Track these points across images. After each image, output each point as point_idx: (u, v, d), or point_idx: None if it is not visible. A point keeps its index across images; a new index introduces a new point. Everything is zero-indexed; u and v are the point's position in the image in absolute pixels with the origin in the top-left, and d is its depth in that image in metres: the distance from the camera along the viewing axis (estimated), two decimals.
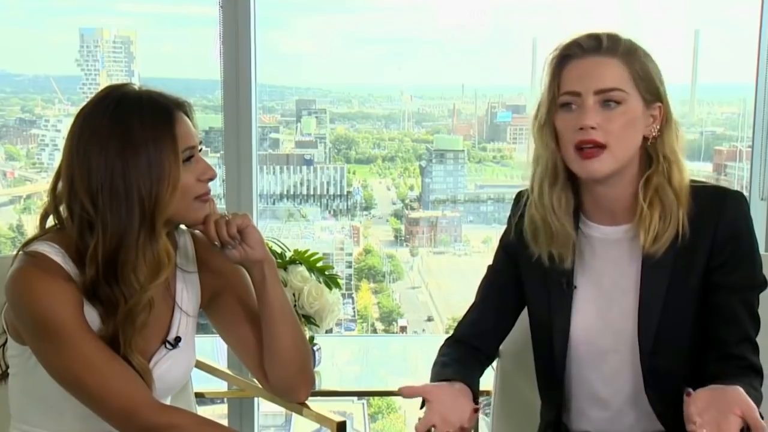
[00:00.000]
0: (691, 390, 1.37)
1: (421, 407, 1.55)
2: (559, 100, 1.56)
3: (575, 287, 1.65)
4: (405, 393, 1.54)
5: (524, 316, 1.75)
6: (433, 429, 1.50)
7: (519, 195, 1.73)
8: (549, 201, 1.62)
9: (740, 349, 1.55)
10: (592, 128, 1.52)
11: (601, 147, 1.53)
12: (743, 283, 1.58)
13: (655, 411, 1.63)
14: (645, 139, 1.57)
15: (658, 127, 1.57)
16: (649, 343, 1.59)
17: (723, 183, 3.43)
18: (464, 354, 1.71)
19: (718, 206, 1.56)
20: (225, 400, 2.89)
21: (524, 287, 1.71)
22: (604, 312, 1.63)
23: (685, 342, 1.60)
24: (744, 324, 1.57)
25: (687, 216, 1.56)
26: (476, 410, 1.53)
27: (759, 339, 1.59)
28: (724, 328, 1.56)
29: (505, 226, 1.77)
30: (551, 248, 1.63)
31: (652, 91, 1.56)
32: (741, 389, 1.38)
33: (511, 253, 1.73)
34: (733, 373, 1.50)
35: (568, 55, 1.56)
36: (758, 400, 1.50)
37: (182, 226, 1.65)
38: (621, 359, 1.63)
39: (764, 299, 1.62)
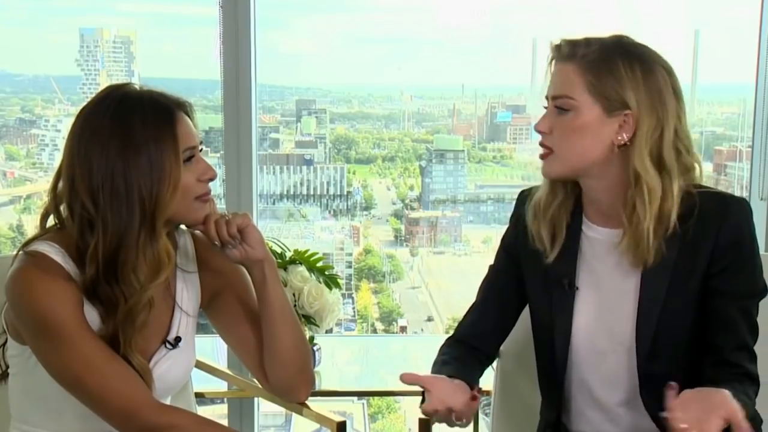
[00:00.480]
0: (673, 383, 1.35)
1: (422, 404, 1.56)
2: None
3: (577, 288, 1.65)
4: (405, 379, 1.55)
5: (525, 315, 1.75)
6: (436, 413, 1.51)
7: (521, 195, 1.74)
8: (536, 199, 1.66)
9: (736, 357, 1.54)
10: (543, 132, 1.57)
11: (550, 150, 1.57)
12: (743, 290, 1.57)
13: (651, 415, 1.62)
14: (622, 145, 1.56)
15: (627, 135, 1.53)
16: (647, 346, 1.59)
17: (723, 183, 3.44)
18: (464, 353, 1.71)
19: (721, 211, 1.55)
20: (225, 400, 2.89)
21: (525, 287, 1.71)
22: (604, 314, 1.63)
23: (683, 347, 1.59)
24: (741, 331, 1.55)
25: (678, 225, 1.54)
26: (474, 397, 1.52)
27: (758, 348, 1.58)
28: (722, 334, 1.55)
29: (505, 226, 1.77)
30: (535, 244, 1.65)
31: (615, 98, 1.52)
32: (728, 393, 1.36)
33: (513, 254, 1.73)
34: (727, 380, 1.49)
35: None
36: (750, 408, 1.49)
37: (182, 226, 1.65)
38: (618, 362, 1.63)
39: (764, 307, 1.61)
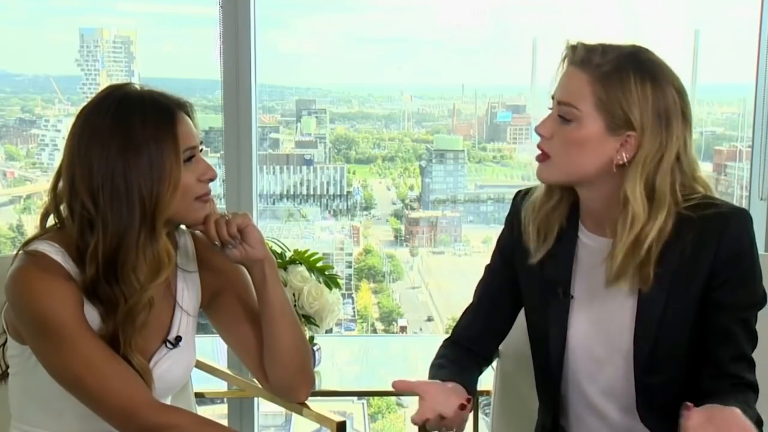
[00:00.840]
0: (689, 404, 1.33)
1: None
2: None
3: (572, 297, 1.63)
4: (397, 387, 1.54)
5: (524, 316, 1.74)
6: (427, 422, 1.49)
7: (517, 195, 1.72)
8: (533, 198, 1.64)
9: (736, 368, 1.53)
10: (543, 136, 1.54)
11: (547, 155, 1.54)
12: (744, 301, 1.55)
13: (648, 427, 1.62)
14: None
15: (627, 156, 1.50)
16: (645, 357, 1.57)
17: (723, 183, 3.44)
18: (460, 355, 1.70)
19: (722, 223, 1.52)
20: (225, 400, 2.88)
21: (521, 291, 1.70)
22: (601, 324, 1.61)
23: (681, 358, 1.57)
24: (741, 342, 1.54)
25: (674, 240, 1.51)
26: (463, 406, 1.50)
27: (757, 357, 1.57)
28: (721, 346, 1.54)
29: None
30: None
31: (620, 116, 1.48)
32: (739, 411, 1.35)
33: (507, 256, 1.72)
34: (727, 391, 1.49)
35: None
36: (752, 419, 1.49)
37: (182, 226, 1.65)
38: (616, 371, 1.61)
39: (763, 317, 1.59)
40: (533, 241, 1.63)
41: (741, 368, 1.54)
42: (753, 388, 1.55)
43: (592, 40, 1.53)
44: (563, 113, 1.51)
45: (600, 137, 1.49)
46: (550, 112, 1.55)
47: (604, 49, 1.50)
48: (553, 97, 1.55)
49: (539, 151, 1.56)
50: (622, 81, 1.47)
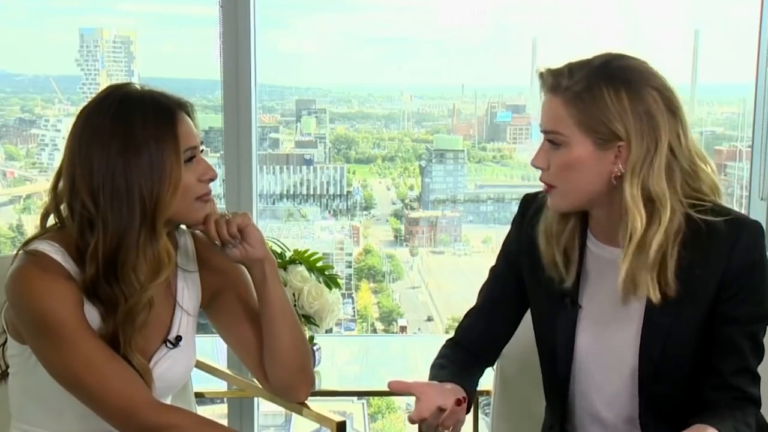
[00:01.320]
0: None
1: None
2: None
3: (580, 307, 1.61)
4: (393, 388, 1.52)
5: (527, 318, 1.74)
6: (424, 422, 1.48)
7: (525, 198, 1.70)
8: (547, 225, 1.61)
9: (737, 380, 1.52)
10: (540, 168, 1.53)
11: (550, 186, 1.53)
12: (752, 315, 1.53)
13: None
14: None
15: (623, 166, 1.47)
16: (650, 368, 1.56)
17: (723, 182, 3.44)
18: (462, 356, 1.69)
19: (733, 234, 1.50)
20: (225, 400, 2.89)
21: (528, 296, 1.69)
22: (609, 334, 1.60)
23: (686, 369, 1.56)
24: (745, 355, 1.53)
25: (683, 250, 1.49)
26: (459, 402, 1.49)
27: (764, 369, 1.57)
28: (725, 358, 1.53)
29: (505, 226, 1.75)
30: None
31: (604, 131, 1.46)
32: None
33: (513, 261, 1.70)
34: (728, 404, 1.49)
35: None
36: None
37: (182, 226, 1.65)
38: (621, 383, 1.60)
39: None
40: (561, 268, 1.59)
41: (744, 381, 1.53)
42: (755, 402, 1.54)
43: (558, 64, 1.51)
44: (551, 139, 1.50)
45: (592, 155, 1.48)
46: (542, 143, 1.54)
47: (571, 70, 1.49)
48: (541, 127, 1.54)
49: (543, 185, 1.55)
50: (595, 97, 1.46)
